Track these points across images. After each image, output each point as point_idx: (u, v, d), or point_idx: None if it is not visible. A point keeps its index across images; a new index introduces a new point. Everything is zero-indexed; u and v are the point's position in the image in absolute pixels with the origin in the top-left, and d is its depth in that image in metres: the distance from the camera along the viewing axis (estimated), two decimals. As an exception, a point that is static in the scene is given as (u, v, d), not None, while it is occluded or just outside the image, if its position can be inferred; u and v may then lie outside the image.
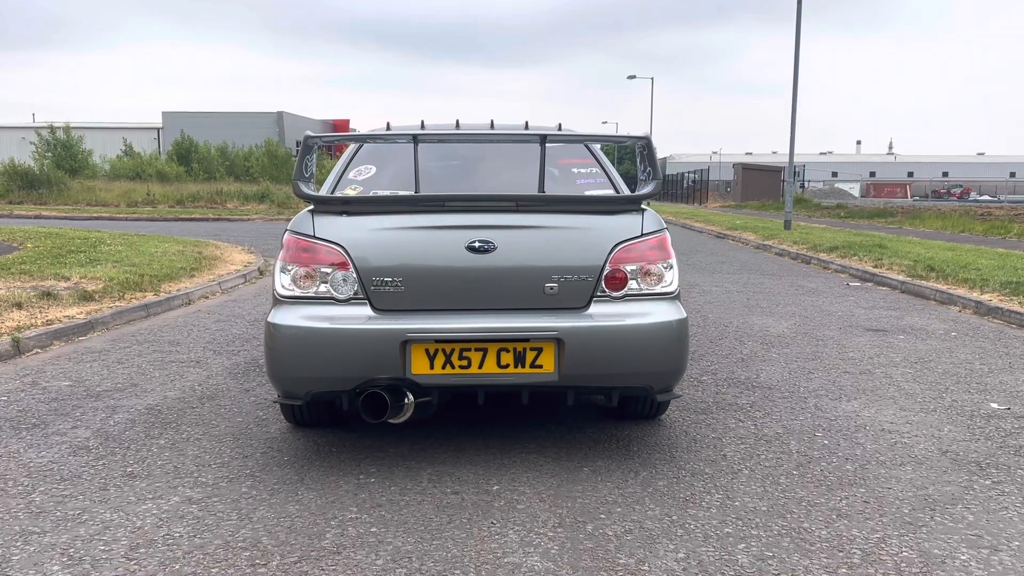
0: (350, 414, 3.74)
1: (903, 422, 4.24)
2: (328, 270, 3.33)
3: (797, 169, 32.83)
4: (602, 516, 3.03)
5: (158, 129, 56.82)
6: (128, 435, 3.93)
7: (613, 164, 4.31)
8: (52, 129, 41.37)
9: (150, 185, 33.51)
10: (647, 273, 3.47)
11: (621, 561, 2.68)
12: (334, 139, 3.80)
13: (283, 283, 3.40)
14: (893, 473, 3.50)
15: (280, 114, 56.46)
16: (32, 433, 3.95)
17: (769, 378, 5.16)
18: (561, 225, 3.45)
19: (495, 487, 3.30)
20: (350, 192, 3.91)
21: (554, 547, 2.77)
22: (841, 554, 2.74)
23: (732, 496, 3.23)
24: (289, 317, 3.32)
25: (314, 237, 3.38)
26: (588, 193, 3.99)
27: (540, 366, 3.28)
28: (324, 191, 3.86)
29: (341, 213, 3.47)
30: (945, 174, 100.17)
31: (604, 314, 3.39)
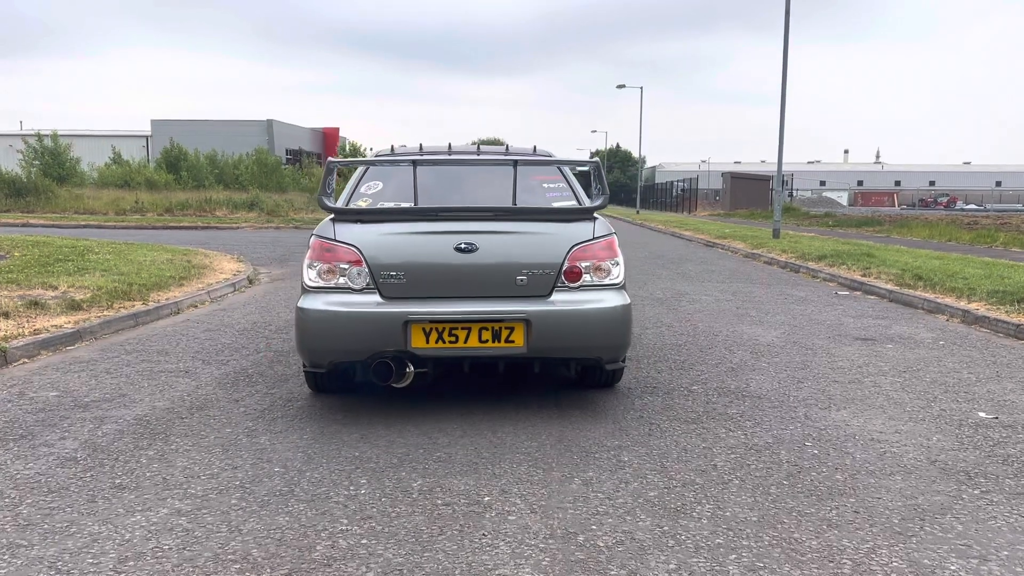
0: (363, 382, 4.51)
1: (892, 431, 4.26)
2: (346, 266, 4.08)
3: (785, 178, 33.05)
4: (593, 527, 3.03)
5: (147, 137, 56.65)
6: (116, 446, 3.90)
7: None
8: (40, 137, 41.14)
9: (139, 193, 33.36)
10: (598, 268, 4.22)
11: (612, 572, 2.67)
12: (350, 163, 4.73)
13: (310, 276, 4.16)
14: (883, 483, 3.52)
15: (270, 122, 56.38)
16: (19, 444, 3.91)
17: (759, 387, 5.17)
18: (529, 231, 4.21)
19: (486, 498, 3.29)
20: (362, 204, 4.61)
21: (545, 559, 2.77)
22: (832, 564, 2.75)
23: (723, 506, 3.24)
24: (315, 303, 4.07)
25: (335, 240, 4.14)
26: (551, 205, 4.69)
27: (512, 341, 4.02)
28: (340, 203, 4.56)
29: (356, 221, 4.21)
30: (932, 183, 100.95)
31: (563, 301, 4.14)
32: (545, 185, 4.94)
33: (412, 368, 4.08)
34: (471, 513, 3.14)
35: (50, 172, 37.97)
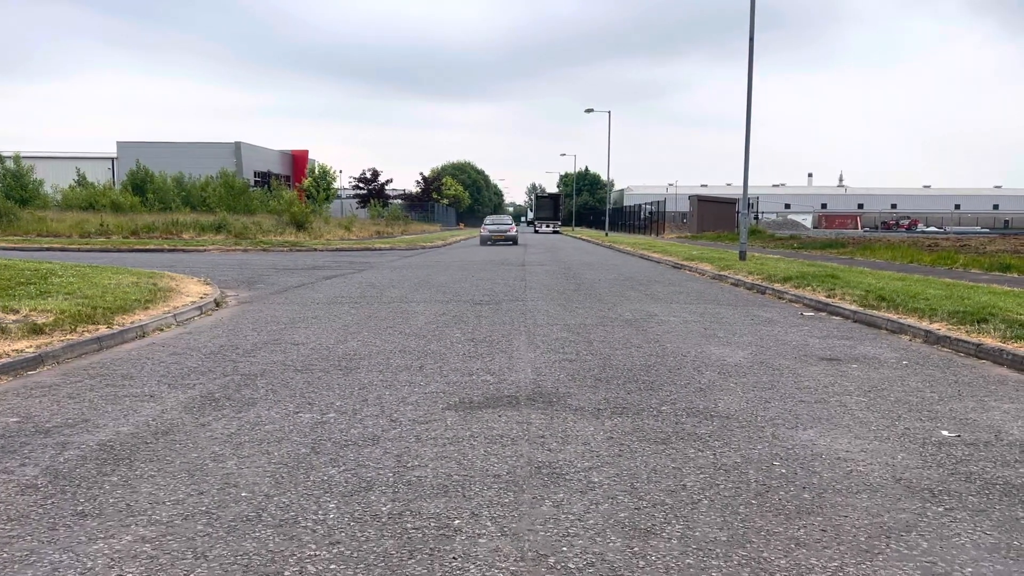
0: (490, 244, 37.04)
1: (858, 450, 4.32)
2: (486, 230, 38.70)
3: (751, 201, 33.52)
4: (564, 549, 3.03)
5: (113, 159, 56.05)
6: (79, 472, 3.83)
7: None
8: (1, 159, 40.53)
9: (104, 215, 32.94)
10: (515, 231, 39.03)
11: (583, 594, 2.67)
12: (484, 220, 43.10)
13: (482, 232, 38.92)
14: (849, 501, 3.56)
15: (238, 144, 56.10)
16: (-23, 472, 3.82)
17: (727, 407, 5.22)
18: (508, 226, 39.67)
19: (456, 521, 3.28)
20: (486, 223, 40.78)
21: (516, 581, 2.75)
22: (800, 583, 2.76)
23: (692, 526, 3.25)
24: (483, 233, 38.53)
25: (486, 227, 39.49)
26: (510, 223, 41.20)
27: (504, 235, 38.28)
28: (484, 223, 41.15)
29: (485, 225, 40.14)
30: (894, 206, 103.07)
31: (511, 233, 38.61)
32: (509, 220, 41.59)
33: (491, 240, 37.31)
34: (441, 536, 3.12)
35: (12, 194, 37.41)
